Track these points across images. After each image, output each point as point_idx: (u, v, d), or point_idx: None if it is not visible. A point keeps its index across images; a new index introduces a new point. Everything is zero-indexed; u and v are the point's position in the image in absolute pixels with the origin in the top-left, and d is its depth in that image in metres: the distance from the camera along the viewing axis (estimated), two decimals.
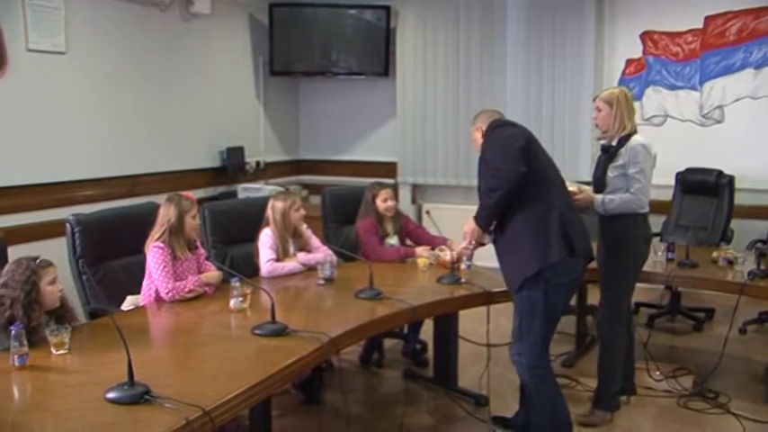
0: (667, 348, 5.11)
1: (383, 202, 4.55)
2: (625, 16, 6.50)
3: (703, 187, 5.77)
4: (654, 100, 6.46)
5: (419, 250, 4.42)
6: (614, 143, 3.82)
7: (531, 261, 3.22)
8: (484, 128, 3.44)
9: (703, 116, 6.29)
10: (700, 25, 6.22)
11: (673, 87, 6.39)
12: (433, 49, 7.18)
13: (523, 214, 3.25)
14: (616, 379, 3.94)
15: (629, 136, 3.78)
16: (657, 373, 4.41)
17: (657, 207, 5.99)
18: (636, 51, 6.48)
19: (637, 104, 6.40)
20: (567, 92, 6.66)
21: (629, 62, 6.52)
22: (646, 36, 6.44)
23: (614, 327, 3.88)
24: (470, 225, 3.40)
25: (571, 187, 3.66)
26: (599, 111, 3.85)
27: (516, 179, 3.17)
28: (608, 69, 6.58)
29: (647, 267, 4.39)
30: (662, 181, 6.00)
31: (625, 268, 3.86)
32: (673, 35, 6.33)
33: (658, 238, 5.56)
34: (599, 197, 3.78)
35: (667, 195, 5.95)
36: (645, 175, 3.74)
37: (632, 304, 4.33)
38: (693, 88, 6.31)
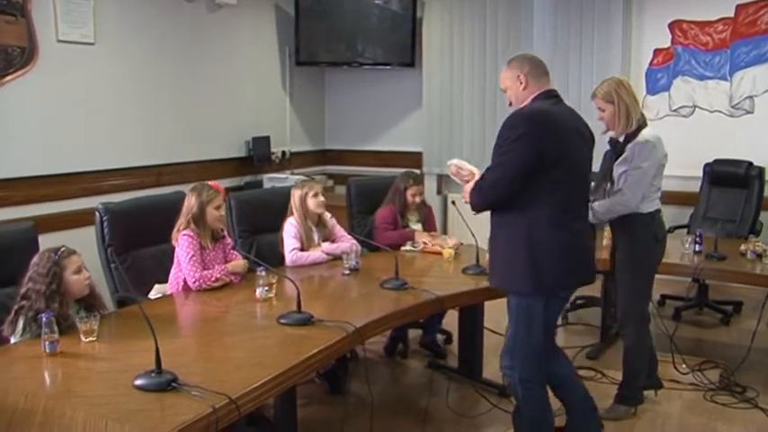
0: (694, 341, 5.07)
1: (412, 197, 4.61)
2: (653, 5, 6.41)
3: (732, 179, 5.70)
4: (682, 90, 6.38)
5: (421, 236, 4.56)
6: (621, 139, 3.67)
7: (526, 277, 2.98)
8: (527, 79, 3.04)
9: (733, 107, 6.20)
10: (731, 14, 6.12)
11: (702, 77, 6.30)
12: (460, 39, 7.14)
13: (528, 223, 2.96)
14: (640, 375, 3.88)
15: (638, 130, 3.61)
16: (684, 366, 4.36)
17: (685, 199, 5.99)
18: (664, 41, 6.40)
19: (665, 95, 6.38)
20: (594, 82, 6.52)
21: (656, 52, 6.44)
22: (674, 25, 6.35)
23: (633, 326, 3.78)
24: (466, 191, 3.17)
25: None
26: (602, 111, 3.63)
27: (495, 199, 3.00)
28: (635, 59, 6.51)
29: (673, 259, 4.38)
30: (690, 172, 5.98)
31: (637, 269, 3.73)
32: (702, 24, 6.24)
33: (686, 230, 5.53)
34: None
35: (695, 187, 5.89)
36: (644, 173, 3.58)
37: (649, 301, 4.05)
38: (723, 78, 6.22)
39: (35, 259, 2.89)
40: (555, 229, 2.95)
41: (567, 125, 3.02)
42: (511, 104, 3.14)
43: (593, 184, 3.74)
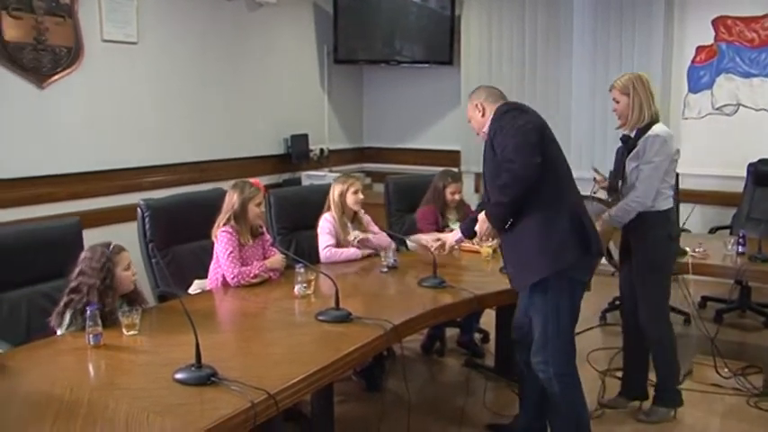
0: (736, 345, 4.97)
1: (451, 195, 4.59)
2: (696, 2, 6.30)
3: None
4: (725, 89, 6.26)
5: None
6: (633, 134, 3.64)
7: (545, 262, 2.99)
8: (483, 105, 3.19)
9: None
10: None
11: (746, 75, 6.17)
12: (498, 37, 7.11)
13: (535, 211, 2.98)
14: (675, 373, 3.81)
15: (648, 126, 3.58)
16: (725, 370, 4.26)
17: (727, 199, 5.89)
18: (707, 38, 6.28)
19: (707, 93, 6.27)
20: None
21: (699, 49, 6.33)
22: (718, 22, 6.23)
23: (657, 326, 3.71)
24: (484, 225, 3.19)
25: (597, 176, 3.57)
26: (616, 102, 3.64)
27: (530, 173, 2.89)
28: (677, 57, 6.40)
29: (715, 260, 4.30)
30: (733, 172, 5.88)
31: (656, 269, 3.68)
32: (748, 20, 6.11)
33: (728, 231, 5.44)
34: (605, 215, 3.62)
35: (738, 187, 5.78)
36: (656, 168, 3.53)
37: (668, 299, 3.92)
38: None
39: (87, 253, 2.93)
40: (559, 212, 2.99)
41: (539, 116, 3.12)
42: (478, 134, 3.29)
43: (607, 181, 3.76)
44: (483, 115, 3.21)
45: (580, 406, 3.20)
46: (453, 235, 3.71)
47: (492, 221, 3.12)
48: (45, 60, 4.67)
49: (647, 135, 3.57)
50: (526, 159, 2.89)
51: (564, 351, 3.12)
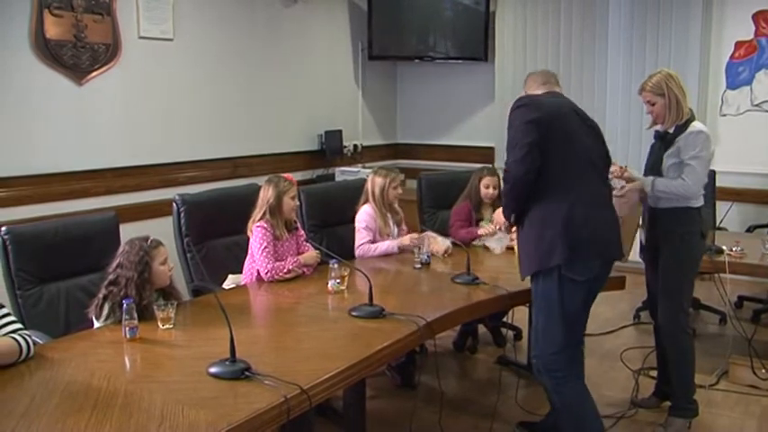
0: None
1: (485, 188, 4.55)
2: None
3: None
4: (765, 85, 6.13)
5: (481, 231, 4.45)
6: (671, 130, 3.53)
7: (534, 258, 3.05)
8: (526, 92, 3.29)
9: None
10: None
11: None
12: (533, 33, 7.06)
13: (538, 207, 3.03)
14: (691, 383, 3.66)
15: (687, 122, 3.49)
16: (763, 370, 4.20)
17: (766, 197, 5.79)
18: (747, 33, 6.16)
19: (746, 89, 6.16)
20: None
21: (738, 45, 6.22)
22: (759, 16, 6.11)
23: (678, 327, 3.59)
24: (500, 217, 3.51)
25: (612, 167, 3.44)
26: (651, 105, 3.53)
27: (524, 183, 3.01)
28: (715, 53, 6.29)
29: (752, 260, 4.25)
30: None
31: (689, 268, 3.59)
32: None
33: (766, 230, 5.35)
34: (648, 178, 3.50)
35: None
36: (702, 163, 3.45)
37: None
38: None
39: (125, 247, 2.97)
40: (565, 205, 2.98)
41: (561, 110, 3.10)
42: None
43: (623, 170, 3.64)
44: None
45: (577, 406, 3.14)
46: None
47: (503, 212, 3.29)
48: (84, 57, 4.74)
49: (690, 131, 3.48)
50: (520, 169, 2.99)
51: (554, 348, 3.09)
